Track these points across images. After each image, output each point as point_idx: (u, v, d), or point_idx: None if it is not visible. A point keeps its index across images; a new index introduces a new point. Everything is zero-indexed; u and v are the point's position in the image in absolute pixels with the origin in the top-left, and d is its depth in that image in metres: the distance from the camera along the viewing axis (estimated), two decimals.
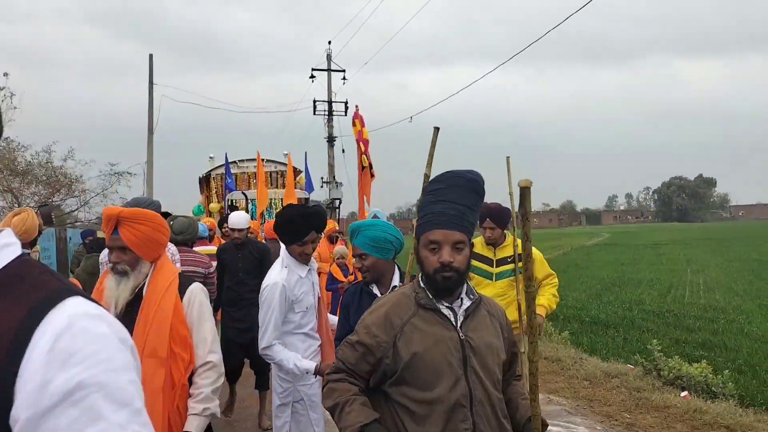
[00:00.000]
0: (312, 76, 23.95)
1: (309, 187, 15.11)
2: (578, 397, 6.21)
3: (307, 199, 15.54)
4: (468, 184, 2.07)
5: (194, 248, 5.77)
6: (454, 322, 2.05)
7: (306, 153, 15.15)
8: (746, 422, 5.13)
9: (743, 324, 10.92)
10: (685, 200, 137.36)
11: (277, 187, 15.95)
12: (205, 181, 15.95)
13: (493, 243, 4.41)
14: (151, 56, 22.05)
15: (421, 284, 2.10)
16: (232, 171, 15.88)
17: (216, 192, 15.67)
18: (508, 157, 4.40)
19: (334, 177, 24.07)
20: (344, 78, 24.48)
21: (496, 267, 4.35)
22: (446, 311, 2.06)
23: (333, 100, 24.30)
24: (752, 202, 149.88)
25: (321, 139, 24.42)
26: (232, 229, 6.43)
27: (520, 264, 4.15)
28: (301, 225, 3.57)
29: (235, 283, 6.15)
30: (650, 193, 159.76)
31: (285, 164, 16.45)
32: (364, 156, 8.96)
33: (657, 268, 23.63)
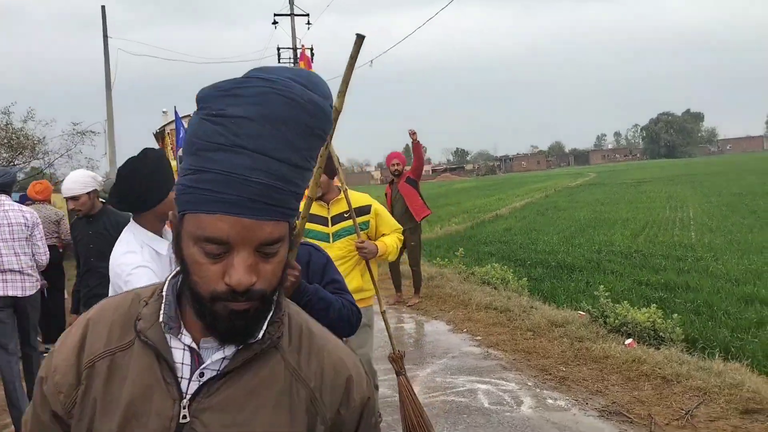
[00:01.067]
0: (274, 22, 23.02)
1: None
2: (517, 350, 5.88)
3: None
4: (301, 113, 0.92)
5: None
6: (180, 385, 0.99)
7: None
8: (684, 371, 4.79)
9: (709, 262, 10.62)
10: (673, 136, 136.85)
11: None
12: (160, 137, 15.35)
13: (323, 197, 3.63)
14: (103, 8, 20.97)
15: (165, 292, 1.04)
16: (186, 125, 15.21)
17: (171, 148, 15.06)
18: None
19: None
20: (308, 23, 23.56)
21: (332, 226, 3.62)
22: (179, 356, 1.00)
23: (298, 46, 23.41)
24: (741, 135, 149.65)
25: None
26: (67, 199, 4.58)
27: (360, 219, 3.60)
28: (166, 176, 2.49)
29: (86, 272, 4.57)
30: (639, 130, 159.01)
31: None
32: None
33: (635, 206, 23.32)
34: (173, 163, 14.81)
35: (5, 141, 23.92)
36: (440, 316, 7.51)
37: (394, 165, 8.44)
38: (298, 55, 8.84)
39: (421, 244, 8.29)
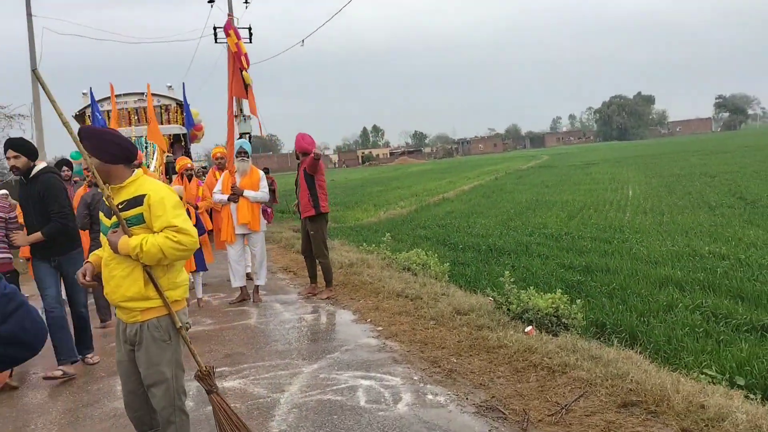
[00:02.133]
0: (210, 0, 22.22)
1: (189, 122, 13.97)
2: (415, 341, 5.63)
3: (185, 135, 14.44)
4: None
5: None
6: None
7: (183, 84, 13.92)
8: (572, 361, 4.61)
9: (633, 244, 10.59)
10: (625, 119, 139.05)
11: (161, 123, 14.73)
12: (80, 120, 14.62)
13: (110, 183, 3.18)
14: None
15: None
16: (109, 107, 14.58)
17: None
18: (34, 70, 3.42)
19: (241, 110, 22.70)
20: (246, 0, 22.81)
21: (113, 217, 3.12)
22: None
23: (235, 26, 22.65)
24: (690, 117, 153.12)
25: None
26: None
27: (132, 211, 3.11)
28: None
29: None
30: (592, 113, 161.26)
31: (169, 98, 15.22)
32: (246, 73, 7.87)
33: (578, 188, 23.46)
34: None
35: None
36: (349, 305, 7.23)
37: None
38: (226, 24, 8.25)
39: (324, 234, 7.95)
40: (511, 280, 6.43)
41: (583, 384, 4.26)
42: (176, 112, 15.11)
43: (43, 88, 2.99)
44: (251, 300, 7.81)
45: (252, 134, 22.06)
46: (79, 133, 3.06)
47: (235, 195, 7.61)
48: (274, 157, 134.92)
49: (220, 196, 7.78)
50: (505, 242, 12.17)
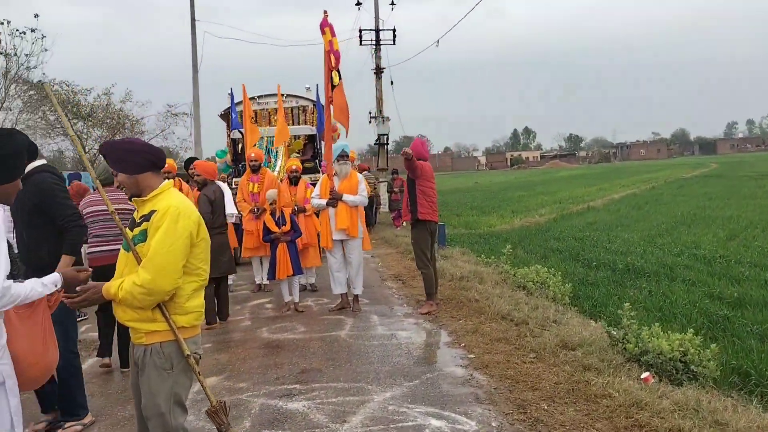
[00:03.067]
0: (358, 3, 22.48)
1: (321, 124, 13.99)
2: (506, 376, 4.96)
3: (314, 137, 14.51)
4: None
5: None
6: None
7: (317, 85, 13.96)
8: (687, 426, 3.73)
9: None
10: None
11: (298, 123, 14.99)
12: (224, 119, 15.30)
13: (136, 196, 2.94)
14: None
15: None
16: (253, 108, 15.09)
17: None
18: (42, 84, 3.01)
19: (381, 111, 22.75)
20: (393, 3, 22.80)
21: (134, 229, 2.87)
22: None
23: (380, 28, 22.77)
24: None
25: (369, 72, 23.06)
26: None
27: (140, 228, 2.79)
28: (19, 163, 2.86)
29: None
30: None
31: (307, 99, 15.42)
32: (335, 72, 7.63)
33: (747, 203, 20.84)
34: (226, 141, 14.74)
35: (107, 121, 25.12)
36: (447, 324, 6.66)
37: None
38: (322, 21, 7.93)
39: (424, 243, 7.40)
40: (631, 313, 5.51)
41: None
42: (313, 113, 15.30)
43: (51, 99, 2.86)
44: (352, 308, 7.49)
45: (389, 135, 22.03)
46: (101, 150, 2.85)
47: (334, 199, 7.34)
48: None
49: (318, 200, 7.54)
50: (646, 262, 10.90)
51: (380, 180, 23.45)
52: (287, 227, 7.47)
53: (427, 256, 7.48)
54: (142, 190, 2.86)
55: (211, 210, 6.79)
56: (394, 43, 22.94)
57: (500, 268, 9.39)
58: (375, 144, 22.57)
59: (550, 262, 11.60)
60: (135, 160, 2.80)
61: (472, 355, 5.53)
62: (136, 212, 2.89)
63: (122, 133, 26.00)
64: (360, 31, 23.03)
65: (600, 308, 8.19)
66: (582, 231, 15.94)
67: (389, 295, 8.45)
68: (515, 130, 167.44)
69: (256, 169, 8.73)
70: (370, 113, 23.23)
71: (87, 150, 24.94)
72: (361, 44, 23.11)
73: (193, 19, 22.14)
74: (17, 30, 18.38)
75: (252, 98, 14.94)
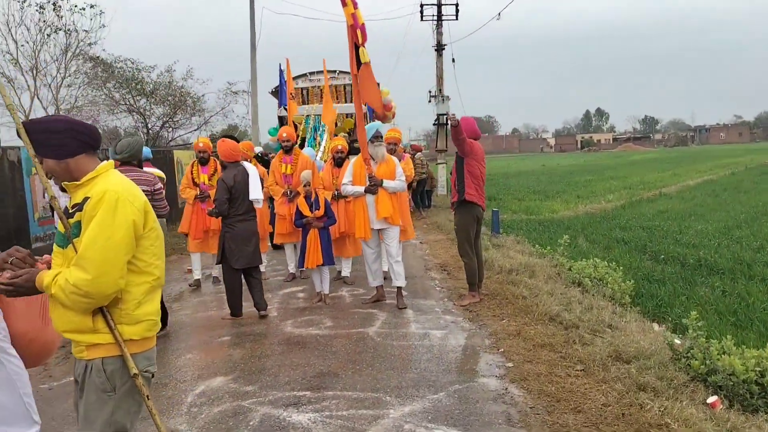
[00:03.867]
0: None
1: None
2: (545, 392, 4.30)
3: (366, 115, 13.91)
4: None
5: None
6: None
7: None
8: None
9: None
10: None
11: (351, 101, 14.45)
12: (276, 96, 14.93)
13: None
14: None
15: None
16: (304, 85, 14.69)
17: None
18: None
19: (440, 90, 21.91)
20: None
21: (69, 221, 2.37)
22: None
23: (443, 2, 21.85)
24: None
25: (429, 49, 22.22)
26: None
27: (74, 219, 2.30)
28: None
29: None
30: None
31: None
32: (362, 48, 6.97)
33: None
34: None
35: (169, 98, 25.33)
36: (488, 324, 6.02)
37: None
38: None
39: (468, 228, 6.77)
40: (699, 323, 4.73)
41: None
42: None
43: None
44: (396, 304, 6.82)
45: (448, 114, 21.18)
46: (25, 128, 2.34)
47: (374, 186, 6.73)
48: (490, 138, 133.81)
49: (353, 187, 6.90)
50: (720, 257, 9.89)
51: (439, 162, 22.73)
52: (320, 212, 6.95)
53: (471, 244, 6.84)
54: (78, 175, 2.37)
55: (230, 197, 6.26)
56: (456, 18, 21.99)
57: (555, 261, 8.64)
58: (434, 124, 21.81)
59: (614, 253, 10.72)
60: (62, 141, 2.30)
61: (510, 364, 4.89)
62: (69, 200, 2.39)
63: (183, 110, 26.20)
64: (421, 5, 22.19)
65: (664, 309, 7.38)
66: (651, 220, 14.84)
67: (430, 287, 7.85)
68: (587, 111, 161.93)
69: (288, 150, 8.13)
70: (429, 92, 22.45)
71: (150, 127, 25.28)
72: (422, 20, 22.30)
73: None
74: (76, 6, 18.52)
75: (303, 75, 14.57)
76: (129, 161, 5.59)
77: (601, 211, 17.72)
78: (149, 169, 6.96)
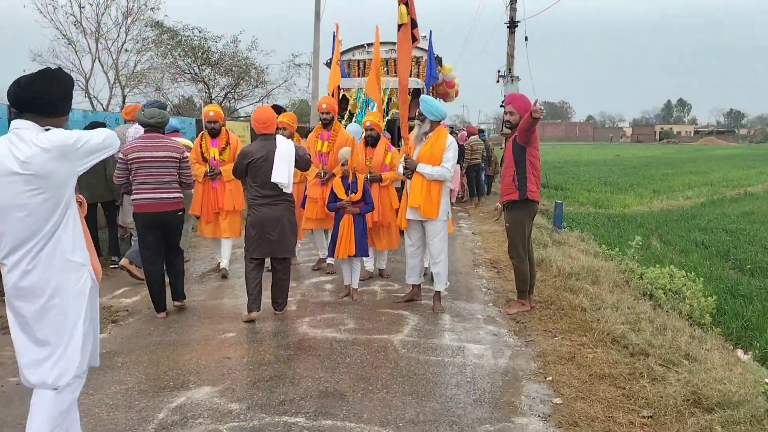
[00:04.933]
0: None
1: (432, 75, 12.38)
2: None
3: (418, 90, 12.93)
4: None
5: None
6: None
7: (431, 32, 12.29)
8: None
9: None
10: None
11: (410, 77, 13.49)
12: (328, 66, 14.13)
13: None
14: None
15: None
16: (359, 57, 13.86)
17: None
18: None
19: (510, 70, 20.57)
20: None
21: None
22: None
23: None
24: None
25: (502, 25, 20.85)
26: None
27: None
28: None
29: None
30: None
31: (422, 49, 13.84)
32: (402, 7, 5.94)
33: None
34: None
35: (233, 68, 24.98)
36: (538, 341, 5.06)
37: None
38: None
39: (525, 228, 5.78)
40: None
41: None
42: (425, 66, 13.75)
43: None
44: (432, 307, 5.96)
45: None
46: None
47: (408, 170, 5.80)
48: (562, 124, 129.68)
49: (400, 169, 6.04)
50: None
51: (503, 147, 21.49)
52: (357, 196, 6.11)
53: (525, 245, 5.86)
54: None
55: (246, 174, 5.48)
56: None
57: (624, 265, 7.53)
58: (501, 105, 20.56)
59: (692, 259, 9.48)
60: None
61: (558, 400, 3.95)
62: None
63: (247, 81, 25.85)
64: None
65: (751, 332, 6.23)
66: (735, 222, 13.33)
67: (475, 287, 6.91)
68: (668, 101, 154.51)
69: (327, 124, 7.21)
70: (498, 72, 21.16)
71: (213, 97, 25.00)
72: None
73: None
74: None
75: (360, 46, 13.69)
76: (157, 128, 5.63)
77: (678, 208, 16.23)
78: (178, 139, 6.92)
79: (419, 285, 6.22)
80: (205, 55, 23.94)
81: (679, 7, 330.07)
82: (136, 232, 5.71)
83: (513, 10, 20.73)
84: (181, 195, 5.68)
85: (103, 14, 18.32)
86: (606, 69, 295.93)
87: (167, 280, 5.79)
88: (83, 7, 17.83)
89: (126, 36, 19.07)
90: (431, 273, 6.07)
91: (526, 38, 21.37)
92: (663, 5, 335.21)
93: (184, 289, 5.87)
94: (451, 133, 17.65)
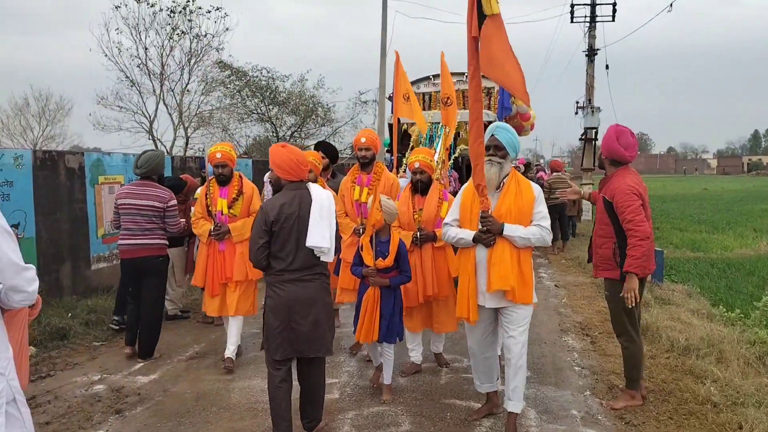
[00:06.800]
0: None
1: (503, 109, 11.23)
2: None
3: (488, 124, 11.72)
4: None
5: None
6: None
7: None
8: None
9: None
10: None
11: (464, 107, 12.32)
12: (390, 100, 13.26)
13: None
14: None
15: None
16: (425, 89, 12.99)
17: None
18: None
19: (590, 100, 19.09)
20: None
21: None
22: None
23: (597, 1, 19.07)
24: None
25: (580, 54, 19.50)
26: None
27: None
28: None
29: None
30: None
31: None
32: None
33: None
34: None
35: (300, 107, 24.68)
36: None
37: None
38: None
39: (632, 305, 4.36)
40: None
41: None
42: (497, 97, 12.61)
43: None
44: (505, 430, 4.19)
45: (598, 129, 18.33)
46: None
47: (488, 233, 4.01)
48: (642, 157, 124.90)
49: (456, 231, 4.20)
50: None
51: (584, 182, 19.86)
52: (388, 261, 4.54)
53: (634, 321, 4.53)
54: None
55: (270, 239, 3.82)
56: (613, 19, 19.10)
57: (754, 333, 6.01)
58: (580, 139, 19.10)
59: None
60: None
61: None
62: None
63: (314, 120, 25.51)
64: (572, 5, 19.58)
65: None
66: None
67: (566, 364, 5.56)
68: (756, 130, 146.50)
69: (366, 164, 5.66)
70: (576, 102, 19.73)
71: (280, 136, 24.69)
72: (572, 21, 19.66)
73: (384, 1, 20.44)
74: (200, 8, 18.11)
75: (426, 78, 12.85)
76: (148, 176, 5.68)
77: None
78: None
79: (497, 392, 4.50)
80: (272, 95, 23.81)
81: (762, 35, 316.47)
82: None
83: (592, 37, 19.36)
84: (164, 241, 5.70)
85: (168, 56, 18.25)
86: (685, 98, 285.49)
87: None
88: (147, 49, 17.78)
89: (189, 77, 18.90)
90: (507, 381, 4.12)
91: (607, 66, 19.91)
92: (746, 30, 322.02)
93: (154, 347, 5.73)
94: (528, 169, 16.30)
